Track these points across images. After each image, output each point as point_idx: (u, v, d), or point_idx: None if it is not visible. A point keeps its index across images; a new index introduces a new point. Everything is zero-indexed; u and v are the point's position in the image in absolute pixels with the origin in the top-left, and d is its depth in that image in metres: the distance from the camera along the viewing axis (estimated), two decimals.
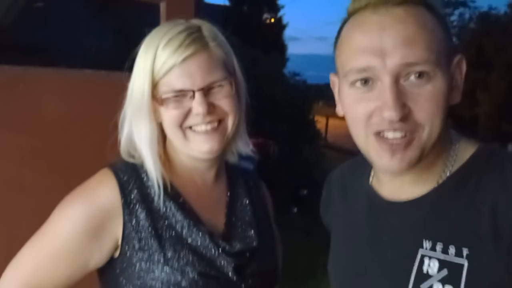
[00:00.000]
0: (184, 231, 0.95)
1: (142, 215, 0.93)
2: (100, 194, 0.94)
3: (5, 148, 1.53)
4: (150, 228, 0.93)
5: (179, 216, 0.96)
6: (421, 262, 0.77)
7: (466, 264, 0.73)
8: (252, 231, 1.04)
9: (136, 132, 0.97)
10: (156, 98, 0.95)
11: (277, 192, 7.53)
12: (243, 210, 1.08)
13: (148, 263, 0.91)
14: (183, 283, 0.90)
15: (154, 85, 0.94)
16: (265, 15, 14.37)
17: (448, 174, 0.82)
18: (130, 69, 0.99)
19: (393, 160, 0.77)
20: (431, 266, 0.76)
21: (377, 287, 0.84)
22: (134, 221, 0.93)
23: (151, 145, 0.96)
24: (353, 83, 0.79)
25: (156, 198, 0.95)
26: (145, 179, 0.97)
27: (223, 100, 0.96)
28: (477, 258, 0.72)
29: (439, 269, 0.75)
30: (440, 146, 0.82)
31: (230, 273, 0.95)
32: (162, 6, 1.77)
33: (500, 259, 0.71)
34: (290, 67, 11.97)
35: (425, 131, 0.76)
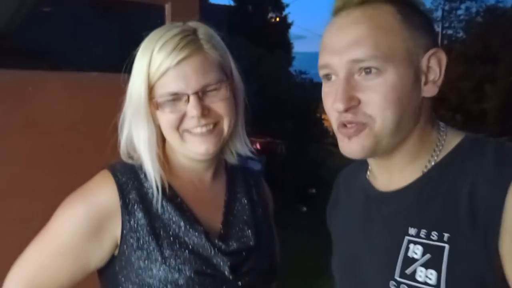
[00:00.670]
0: (181, 231, 0.96)
1: (140, 215, 0.95)
2: (99, 195, 0.95)
3: (14, 150, 1.55)
4: (148, 228, 0.94)
5: (176, 217, 0.97)
6: (407, 248, 0.82)
7: (447, 247, 0.76)
8: (250, 230, 1.05)
9: (135, 134, 0.99)
10: (152, 101, 0.96)
11: (285, 191, 7.58)
12: (241, 210, 1.08)
13: (146, 262, 0.93)
14: (180, 281, 0.92)
15: (151, 88, 0.95)
16: (270, 14, 14.38)
17: (433, 163, 0.86)
18: (129, 71, 1.00)
19: (349, 145, 0.85)
20: (416, 251, 0.80)
21: (369, 273, 0.89)
22: (132, 221, 0.95)
23: (150, 148, 0.98)
24: (323, 78, 0.89)
25: (154, 199, 0.97)
26: (143, 180, 0.99)
27: (219, 103, 0.97)
28: (457, 242, 0.76)
29: (423, 254, 0.79)
30: (418, 137, 0.87)
31: (226, 272, 0.96)
32: (167, 8, 1.78)
33: (477, 240, 0.74)
34: (296, 66, 11.97)
35: (377, 122, 0.82)
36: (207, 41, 0.97)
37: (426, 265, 0.78)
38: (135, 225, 0.94)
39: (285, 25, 14.44)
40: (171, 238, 0.95)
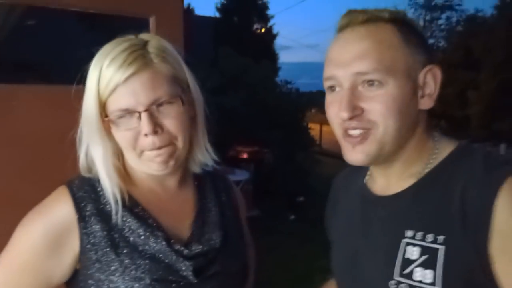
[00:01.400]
0: (141, 239, 0.97)
1: (97, 227, 0.95)
2: (55, 211, 0.96)
3: (1, 163, 1.54)
4: (106, 239, 0.95)
5: (135, 225, 0.97)
6: (405, 250, 0.87)
7: (442, 248, 0.82)
8: (217, 233, 1.06)
9: (91, 149, 1.00)
10: (106, 118, 0.96)
11: (273, 199, 7.55)
12: (210, 214, 1.09)
13: (106, 273, 0.93)
14: None
15: (103, 105, 0.95)
16: (255, 26, 14.45)
17: (427, 170, 0.92)
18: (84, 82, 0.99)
19: (353, 152, 0.92)
20: (413, 253, 0.85)
21: (368, 273, 0.93)
22: (90, 234, 0.95)
23: (105, 164, 0.99)
24: (327, 89, 0.95)
25: (113, 211, 0.98)
26: (101, 192, 0.99)
27: (172, 121, 0.96)
28: (451, 243, 0.81)
29: (420, 255, 0.84)
30: (415, 146, 0.93)
31: (190, 277, 0.96)
32: (151, 21, 1.80)
33: (469, 242, 0.79)
34: (282, 76, 12.05)
35: (379, 128, 0.88)
36: (156, 55, 0.96)
37: (423, 265, 0.83)
38: (93, 238, 0.95)
39: (270, 36, 14.52)
40: (130, 247, 0.95)
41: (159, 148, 0.96)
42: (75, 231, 0.95)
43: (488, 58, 12.39)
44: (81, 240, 0.95)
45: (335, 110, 0.91)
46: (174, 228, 1.02)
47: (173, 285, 0.95)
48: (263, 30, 14.46)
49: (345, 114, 0.88)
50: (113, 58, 0.93)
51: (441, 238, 0.82)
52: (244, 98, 7.32)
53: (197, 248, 1.01)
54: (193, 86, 1.04)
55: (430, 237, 0.84)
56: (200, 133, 1.07)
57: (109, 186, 0.98)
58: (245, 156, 7.37)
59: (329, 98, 0.95)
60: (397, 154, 0.93)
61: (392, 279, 0.87)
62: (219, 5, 14.17)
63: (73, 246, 0.95)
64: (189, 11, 13.91)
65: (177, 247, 0.98)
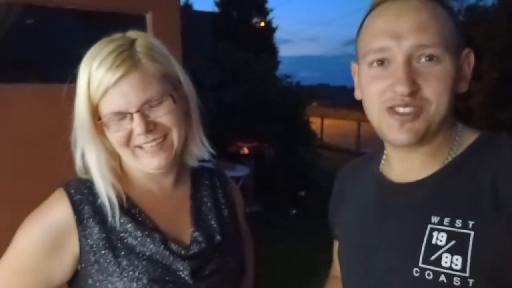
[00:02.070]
0: (138, 241, 0.98)
1: (95, 229, 0.97)
2: (54, 214, 0.97)
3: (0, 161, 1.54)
4: (104, 241, 0.96)
5: (132, 228, 0.98)
6: (430, 236, 0.83)
7: (472, 234, 0.79)
8: (215, 232, 1.07)
9: (86, 152, 1.00)
10: (97, 121, 0.96)
11: (275, 194, 7.56)
12: (207, 212, 1.10)
13: (104, 275, 0.95)
14: None
15: (95, 108, 0.95)
16: (255, 19, 14.40)
17: (453, 156, 0.90)
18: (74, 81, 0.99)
19: (401, 131, 0.86)
20: (440, 238, 0.82)
21: (387, 262, 0.90)
22: (88, 236, 0.96)
23: (99, 167, 0.99)
24: (370, 64, 0.89)
25: (109, 215, 0.98)
26: (98, 194, 1.00)
27: (164, 117, 0.96)
28: (482, 228, 0.79)
29: (448, 241, 0.81)
30: (446, 131, 0.91)
31: (186, 277, 0.97)
32: (148, 17, 1.79)
33: (502, 227, 0.77)
34: (283, 70, 12.03)
35: (432, 106, 0.84)
36: (145, 54, 0.96)
37: (452, 251, 0.80)
38: (91, 239, 0.96)
39: (270, 29, 14.47)
40: (128, 249, 0.96)
41: (154, 143, 0.97)
42: (74, 233, 0.96)
43: (489, 47, 12.33)
44: (80, 241, 0.96)
45: (383, 85, 0.86)
46: (171, 229, 1.03)
47: (170, 285, 0.96)
48: (262, 24, 14.41)
49: (405, 89, 0.82)
50: (101, 60, 0.93)
51: (471, 223, 0.80)
52: (244, 93, 7.31)
53: (194, 248, 1.01)
54: (185, 81, 1.03)
55: (459, 222, 0.81)
56: (195, 127, 1.07)
57: (104, 190, 0.98)
58: (245, 151, 7.37)
59: (373, 72, 0.88)
60: (433, 137, 0.89)
61: (416, 266, 0.83)
62: (217, 0, 14.12)
63: (73, 247, 0.96)
64: (187, 6, 13.87)
65: (174, 248, 0.99)
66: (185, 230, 1.05)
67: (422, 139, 0.87)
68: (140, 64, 0.94)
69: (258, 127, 7.38)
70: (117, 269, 0.94)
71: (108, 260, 0.95)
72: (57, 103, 1.67)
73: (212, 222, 1.09)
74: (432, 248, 0.82)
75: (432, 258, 0.82)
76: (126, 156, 1.00)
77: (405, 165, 0.94)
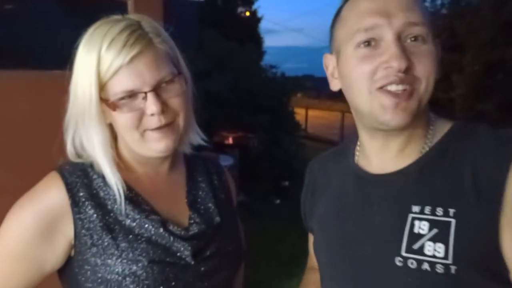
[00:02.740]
0: (136, 223, 0.96)
1: (91, 211, 0.95)
2: (47, 196, 0.95)
3: None
4: (101, 224, 0.94)
5: (130, 210, 0.97)
6: (412, 225, 0.85)
7: (453, 221, 0.81)
8: (214, 213, 1.07)
9: (86, 136, 0.97)
10: (105, 101, 0.94)
11: (259, 184, 7.59)
12: (203, 196, 1.10)
13: (102, 257, 0.93)
14: (138, 272, 0.92)
15: (101, 88, 0.93)
16: (240, 9, 14.29)
17: (429, 145, 0.91)
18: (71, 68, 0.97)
19: (396, 111, 0.85)
20: (422, 227, 0.83)
21: (368, 252, 0.90)
22: (84, 219, 0.94)
23: (105, 151, 0.97)
24: (358, 45, 0.87)
25: (110, 197, 0.97)
26: (94, 177, 0.98)
27: (175, 99, 0.96)
28: (463, 216, 0.81)
29: (430, 229, 0.82)
30: (423, 117, 0.91)
31: (187, 258, 0.97)
32: (130, 4, 1.76)
33: (484, 214, 0.79)
34: (268, 60, 11.98)
35: (422, 85, 0.85)
36: (156, 35, 0.95)
37: (434, 240, 0.81)
38: (88, 222, 0.94)
39: (255, 19, 14.39)
40: (126, 231, 0.95)
41: (164, 126, 0.95)
42: (68, 217, 0.94)
43: (472, 40, 12.46)
44: (75, 225, 0.94)
45: (374, 65, 0.85)
46: (169, 211, 1.02)
47: (171, 266, 0.95)
48: (247, 13, 14.30)
49: (402, 63, 0.82)
50: (112, 39, 0.91)
51: (452, 211, 0.82)
52: (229, 82, 7.27)
53: (194, 229, 1.01)
54: (184, 67, 1.04)
55: (440, 210, 0.83)
56: (191, 114, 1.07)
57: (111, 173, 0.96)
58: (230, 141, 7.35)
59: (361, 53, 0.87)
60: (415, 120, 0.88)
61: (399, 255, 0.85)
62: None
63: (67, 232, 0.94)
64: None
65: (173, 229, 0.98)
66: (183, 213, 1.04)
67: (413, 119, 0.87)
68: (153, 43, 0.94)
69: (242, 117, 7.36)
70: (116, 252, 0.93)
71: (106, 243, 0.93)
72: (38, 90, 1.64)
73: (210, 205, 1.08)
74: (415, 237, 0.84)
75: (415, 246, 0.83)
76: (132, 140, 0.97)
77: (382, 155, 0.95)
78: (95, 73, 0.91)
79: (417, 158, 0.91)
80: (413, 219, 0.85)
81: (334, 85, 0.99)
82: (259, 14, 14.48)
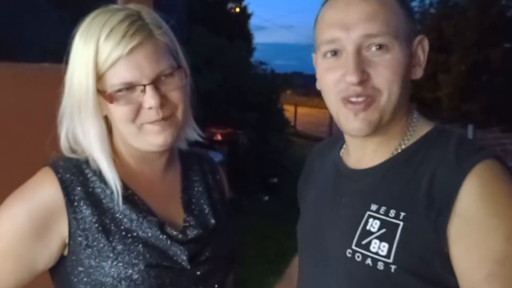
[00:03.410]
0: (133, 224, 0.93)
1: (87, 211, 0.91)
2: (41, 194, 0.91)
3: None
4: (97, 225, 0.91)
5: (127, 210, 0.94)
6: (366, 222, 0.89)
7: (401, 224, 0.84)
8: (208, 215, 1.05)
9: (81, 129, 0.93)
10: (102, 92, 0.90)
11: (247, 180, 7.59)
12: (198, 196, 1.07)
13: (97, 260, 0.90)
14: (134, 276, 0.90)
15: (98, 79, 0.90)
16: (230, 5, 14.24)
17: (402, 147, 0.93)
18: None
19: (356, 120, 0.88)
20: (374, 225, 0.88)
21: (330, 242, 0.96)
22: (79, 219, 0.91)
23: (102, 144, 0.93)
24: (324, 54, 0.91)
25: (107, 195, 0.94)
26: (89, 174, 0.95)
27: (174, 92, 0.94)
28: (411, 220, 0.83)
29: (380, 228, 0.87)
30: (400, 120, 0.93)
31: (184, 262, 0.95)
32: None
33: (430, 221, 0.81)
34: (257, 57, 11.96)
35: (383, 95, 0.87)
36: (156, 26, 0.93)
37: (381, 238, 0.85)
38: (83, 223, 0.91)
39: (245, 15, 14.35)
40: (123, 232, 0.92)
41: (163, 119, 0.93)
42: (63, 216, 0.90)
43: (459, 40, 12.60)
44: (70, 225, 0.91)
45: (337, 76, 0.88)
46: (165, 212, 0.99)
47: (167, 270, 0.93)
48: (237, 9, 14.27)
49: (354, 78, 0.84)
50: (111, 28, 0.88)
51: (402, 214, 0.85)
52: (218, 79, 7.25)
53: (191, 233, 0.99)
54: (183, 60, 1.01)
55: (392, 212, 0.86)
56: (189, 107, 1.04)
57: (109, 171, 0.93)
58: (219, 137, 7.34)
59: (327, 63, 0.90)
60: (387, 125, 0.91)
61: (349, 248, 0.89)
62: None
63: (61, 231, 0.91)
64: None
65: (171, 232, 0.96)
66: (177, 213, 1.02)
67: (376, 128, 0.90)
68: (153, 35, 0.91)
69: (231, 113, 7.35)
70: (111, 254, 0.90)
71: (101, 244, 0.90)
72: (24, 83, 1.61)
73: (205, 206, 1.06)
74: (366, 233, 0.88)
75: (363, 242, 0.87)
76: (129, 133, 0.94)
77: (360, 152, 0.97)
78: (92, 63, 0.88)
79: (387, 158, 0.93)
80: (369, 216, 0.89)
81: (318, 85, 0.99)
82: (249, 11, 14.47)
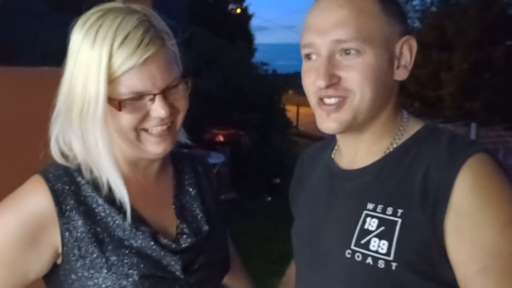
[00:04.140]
0: (126, 234, 0.92)
1: (80, 222, 0.90)
2: (31, 204, 0.89)
3: None
4: (89, 235, 0.90)
5: (119, 220, 0.93)
6: (364, 221, 0.90)
7: (399, 221, 0.85)
8: (202, 221, 1.04)
9: (82, 136, 0.90)
10: (109, 99, 0.87)
11: (250, 181, 7.58)
12: (192, 201, 1.06)
13: (90, 271, 0.89)
14: (128, 287, 0.89)
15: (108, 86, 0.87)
16: (231, 6, 14.25)
17: (394, 146, 0.95)
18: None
19: (328, 120, 0.92)
20: (372, 224, 0.89)
21: (328, 243, 0.96)
22: (72, 229, 0.89)
23: (110, 154, 0.91)
24: (305, 57, 0.95)
25: (99, 205, 0.92)
26: (81, 183, 0.93)
27: (180, 101, 0.93)
28: (409, 217, 0.85)
29: (378, 226, 0.87)
30: (387, 120, 0.95)
31: (177, 272, 0.93)
32: None
33: (426, 217, 0.83)
34: (259, 57, 11.97)
35: (356, 96, 0.89)
36: (167, 35, 0.92)
37: (380, 236, 0.86)
38: (75, 233, 0.89)
39: (246, 16, 14.35)
40: (116, 243, 0.91)
41: (165, 124, 0.92)
42: (55, 226, 0.89)
43: (461, 39, 12.58)
44: (62, 234, 0.89)
45: (312, 78, 0.91)
46: (158, 220, 0.98)
47: (161, 280, 0.92)
48: (238, 10, 14.27)
49: (322, 82, 0.88)
50: (126, 35, 0.85)
51: (400, 211, 0.86)
52: (220, 80, 7.25)
53: (184, 242, 0.98)
54: (180, 64, 0.99)
55: (390, 210, 0.87)
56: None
57: (117, 179, 0.91)
58: (221, 138, 7.34)
59: (305, 66, 0.95)
60: (368, 125, 0.94)
61: (348, 248, 0.90)
62: None
63: (53, 241, 0.89)
64: None
65: (164, 242, 0.95)
66: (170, 221, 1.00)
67: (350, 127, 0.92)
68: (165, 44, 0.90)
69: (233, 114, 7.35)
70: (105, 265, 0.88)
71: (95, 256, 0.89)
72: (24, 87, 1.61)
73: (198, 212, 1.05)
74: (364, 232, 0.89)
75: (363, 241, 0.88)
76: (127, 140, 0.92)
77: (352, 153, 0.99)
78: (105, 69, 0.85)
79: (380, 157, 0.94)
80: (366, 215, 0.90)
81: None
82: (250, 12, 14.47)
